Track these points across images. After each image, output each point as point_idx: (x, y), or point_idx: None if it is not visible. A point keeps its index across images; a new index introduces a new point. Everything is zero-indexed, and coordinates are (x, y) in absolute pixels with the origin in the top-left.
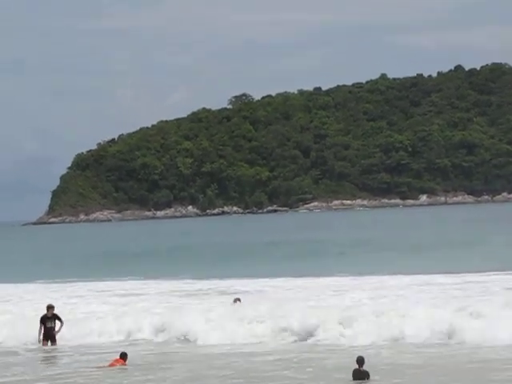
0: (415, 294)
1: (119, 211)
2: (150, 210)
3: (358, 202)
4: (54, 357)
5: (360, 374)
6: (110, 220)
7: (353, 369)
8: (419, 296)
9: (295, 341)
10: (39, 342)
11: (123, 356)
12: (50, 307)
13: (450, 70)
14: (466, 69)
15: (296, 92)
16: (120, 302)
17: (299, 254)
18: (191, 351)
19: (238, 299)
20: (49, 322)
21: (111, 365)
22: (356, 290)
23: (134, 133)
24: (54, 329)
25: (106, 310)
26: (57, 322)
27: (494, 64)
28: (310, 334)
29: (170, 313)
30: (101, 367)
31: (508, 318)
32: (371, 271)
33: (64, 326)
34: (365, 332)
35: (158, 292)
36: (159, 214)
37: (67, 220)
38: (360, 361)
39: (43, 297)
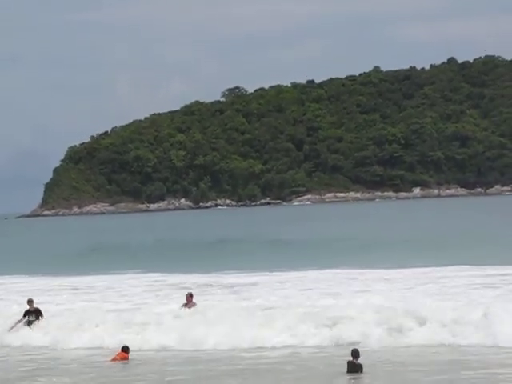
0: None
1: (112, 204)
2: (143, 203)
3: (351, 194)
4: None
5: (354, 366)
6: (103, 213)
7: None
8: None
9: (268, 346)
10: (8, 330)
11: (125, 349)
12: (29, 301)
13: (443, 63)
14: (459, 61)
15: (289, 85)
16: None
17: (284, 247)
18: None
19: (191, 295)
20: (30, 316)
21: (113, 359)
22: (335, 284)
23: (126, 125)
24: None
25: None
26: (40, 317)
27: (487, 57)
28: (286, 334)
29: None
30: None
31: None
32: (347, 265)
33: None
34: (343, 330)
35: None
36: (152, 206)
37: (60, 213)
38: (354, 353)
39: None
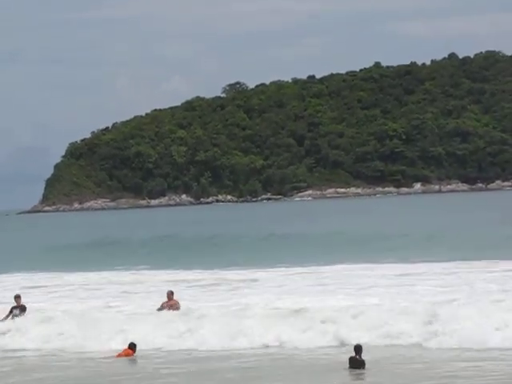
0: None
1: (113, 200)
2: (144, 199)
3: (352, 190)
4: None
5: (356, 362)
6: (104, 209)
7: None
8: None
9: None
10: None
11: (132, 346)
12: (16, 297)
13: (444, 58)
14: (460, 57)
15: (290, 80)
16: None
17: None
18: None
19: (172, 293)
20: (15, 312)
21: (119, 355)
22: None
23: (127, 121)
24: None
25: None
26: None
27: (487, 52)
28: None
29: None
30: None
31: None
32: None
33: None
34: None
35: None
36: (153, 202)
37: (61, 209)
38: (357, 349)
39: None
